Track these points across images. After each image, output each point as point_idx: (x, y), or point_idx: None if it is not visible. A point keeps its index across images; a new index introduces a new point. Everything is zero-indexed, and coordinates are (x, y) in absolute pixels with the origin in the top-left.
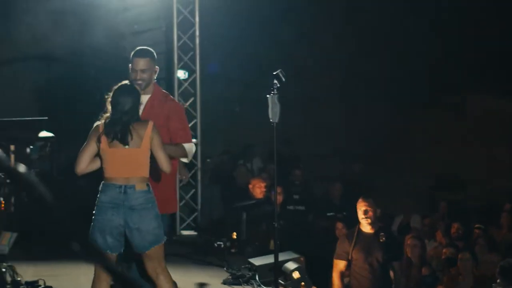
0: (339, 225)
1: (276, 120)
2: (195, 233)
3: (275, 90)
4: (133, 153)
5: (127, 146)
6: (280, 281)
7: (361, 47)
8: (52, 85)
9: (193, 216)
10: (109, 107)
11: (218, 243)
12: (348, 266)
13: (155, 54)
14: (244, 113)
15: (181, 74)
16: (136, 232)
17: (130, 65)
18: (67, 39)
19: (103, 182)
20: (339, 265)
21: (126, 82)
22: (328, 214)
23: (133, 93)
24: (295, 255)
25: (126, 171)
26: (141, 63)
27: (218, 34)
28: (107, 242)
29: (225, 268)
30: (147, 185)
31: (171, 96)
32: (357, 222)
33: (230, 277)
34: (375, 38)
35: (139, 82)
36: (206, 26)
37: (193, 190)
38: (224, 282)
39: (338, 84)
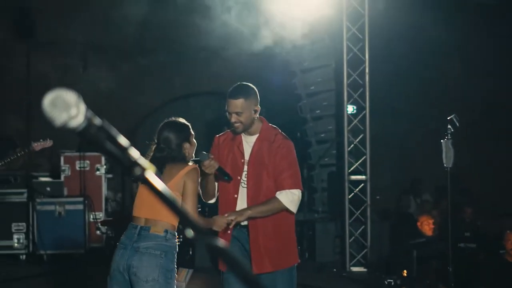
0: None
1: (450, 165)
2: (365, 269)
3: (449, 135)
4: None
5: None
6: None
7: None
8: (220, 119)
9: (362, 253)
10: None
11: (388, 280)
12: None
13: (252, 90)
14: (412, 147)
15: (349, 108)
16: (134, 277)
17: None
18: (235, 72)
19: None
20: None
21: (177, 119)
22: (501, 251)
23: (175, 130)
24: None
25: (147, 212)
26: (234, 105)
27: (387, 70)
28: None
29: None
30: (166, 231)
31: (282, 134)
32: None
33: None
34: None
35: (236, 125)
36: (375, 63)
37: (362, 227)
38: None
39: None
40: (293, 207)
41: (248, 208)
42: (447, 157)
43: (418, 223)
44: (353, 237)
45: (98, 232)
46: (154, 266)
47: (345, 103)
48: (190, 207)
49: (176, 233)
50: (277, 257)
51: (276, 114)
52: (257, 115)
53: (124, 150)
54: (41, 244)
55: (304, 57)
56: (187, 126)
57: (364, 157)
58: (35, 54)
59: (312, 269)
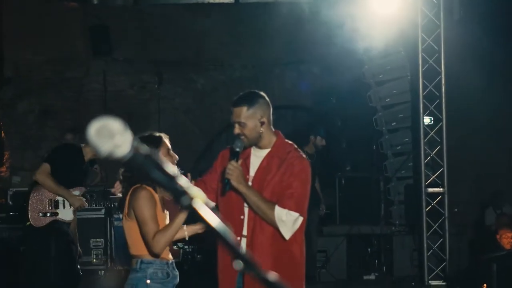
0: None
1: None
2: (444, 283)
3: None
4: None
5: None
6: None
7: None
8: (298, 133)
9: (441, 266)
10: None
11: None
12: None
13: (259, 99)
14: (490, 159)
15: (426, 120)
16: None
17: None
18: (314, 89)
19: None
20: None
21: (152, 132)
22: None
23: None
24: None
25: (130, 249)
26: (236, 114)
27: (464, 81)
28: None
29: None
30: (137, 261)
31: (297, 151)
32: None
33: None
34: None
35: (241, 137)
36: (451, 74)
37: (441, 240)
38: None
39: None
40: (284, 229)
41: (250, 187)
42: None
43: (497, 236)
44: (431, 251)
45: (175, 247)
46: None
47: (421, 115)
48: (148, 235)
49: (154, 260)
50: None
51: (349, 127)
52: (264, 128)
53: (172, 179)
54: (119, 259)
55: (379, 69)
56: (158, 138)
57: (442, 169)
58: (112, 71)
59: (390, 284)
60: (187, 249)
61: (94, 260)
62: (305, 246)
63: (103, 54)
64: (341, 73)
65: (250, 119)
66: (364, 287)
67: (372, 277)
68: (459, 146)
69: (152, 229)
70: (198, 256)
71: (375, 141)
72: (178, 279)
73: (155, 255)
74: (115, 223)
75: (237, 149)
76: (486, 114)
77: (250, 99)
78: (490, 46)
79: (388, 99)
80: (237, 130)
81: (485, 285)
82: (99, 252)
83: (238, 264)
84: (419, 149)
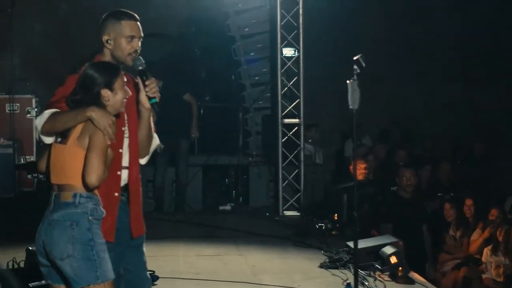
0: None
1: (356, 107)
2: (298, 214)
3: (355, 76)
4: (60, 152)
5: (58, 141)
6: (377, 265)
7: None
8: (164, 62)
9: (296, 197)
10: None
11: (320, 224)
12: None
13: None
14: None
15: (289, 51)
16: (51, 256)
17: (114, 31)
18: (176, 19)
19: None
20: None
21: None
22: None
23: (98, 70)
24: (393, 239)
25: (58, 176)
26: (139, 28)
27: (321, 12)
28: (41, 265)
29: (322, 251)
30: (75, 195)
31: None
32: None
33: (328, 260)
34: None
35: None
36: (309, 3)
37: (296, 171)
38: (321, 266)
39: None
40: (150, 152)
41: None
42: (353, 99)
43: (350, 167)
44: (286, 181)
45: (29, 176)
46: (66, 239)
47: (279, 45)
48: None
49: (92, 195)
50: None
51: (210, 56)
52: None
53: None
54: None
55: None
56: (115, 68)
57: (298, 100)
58: None
59: (245, 214)
60: (42, 179)
61: None
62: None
63: None
64: (201, 1)
65: None
66: (220, 217)
67: (228, 207)
68: (324, 77)
69: (104, 160)
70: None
71: (233, 71)
72: None
73: (90, 189)
74: None
75: (141, 68)
76: (346, 44)
77: None
78: None
79: (247, 29)
80: (138, 46)
81: (336, 215)
82: None
83: None
84: (276, 79)
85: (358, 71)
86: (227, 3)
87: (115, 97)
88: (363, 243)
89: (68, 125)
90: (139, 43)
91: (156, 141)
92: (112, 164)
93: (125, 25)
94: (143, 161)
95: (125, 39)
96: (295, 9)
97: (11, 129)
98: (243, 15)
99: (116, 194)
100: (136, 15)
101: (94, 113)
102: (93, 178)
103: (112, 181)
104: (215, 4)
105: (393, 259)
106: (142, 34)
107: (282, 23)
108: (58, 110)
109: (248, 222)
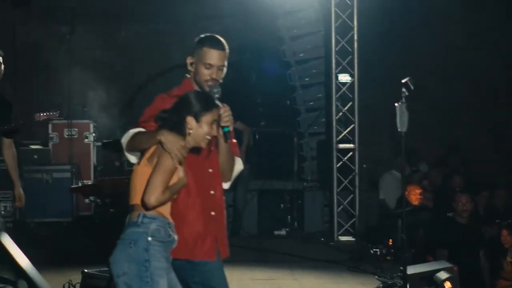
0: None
1: (405, 130)
2: (353, 239)
3: (403, 98)
4: (135, 173)
5: (137, 162)
6: None
7: None
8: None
9: (350, 222)
10: None
11: (374, 249)
12: None
13: None
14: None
15: (344, 77)
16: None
17: (196, 56)
18: (233, 45)
19: None
20: None
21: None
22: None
23: (191, 97)
24: (448, 265)
25: (131, 197)
26: (220, 57)
27: (377, 38)
28: None
29: (376, 276)
30: (139, 215)
31: None
32: None
33: (382, 285)
34: None
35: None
36: (364, 29)
37: (351, 196)
38: None
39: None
40: (233, 177)
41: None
42: (401, 122)
43: (406, 192)
44: (341, 206)
45: (86, 200)
46: (124, 257)
47: (334, 70)
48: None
49: (158, 216)
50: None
51: (265, 81)
52: None
53: None
54: (28, 212)
55: (294, 23)
56: (212, 104)
57: (353, 125)
58: (29, 20)
59: (300, 239)
60: (100, 203)
61: (3, 212)
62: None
63: (22, 4)
64: (257, 28)
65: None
66: (274, 242)
67: (283, 232)
68: (374, 103)
69: (166, 182)
70: (111, 210)
71: (288, 96)
72: (175, 244)
73: (148, 208)
74: (25, 175)
75: (217, 95)
76: (400, 70)
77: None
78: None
79: (302, 54)
80: (217, 75)
81: (390, 240)
82: (8, 204)
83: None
84: (330, 105)
85: (407, 93)
86: (282, 29)
87: (198, 129)
88: (416, 268)
89: (143, 146)
90: (219, 72)
91: (239, 166)
92: (204, 183)
93: (206, 52)
94: (226, 185)
95: (203, 66)
96: (349, 35)
97: (69, 154)
98: (298, 41)
99: (213, 213)
100: (222, 44)
101: (163, 136)
102: (152, 198)
103: (207, 200)
104: (271, 30)
105: (448, 285)
106: (225, 63)
107: (337, 49)
108: (142, 130)
109: (302, 247)
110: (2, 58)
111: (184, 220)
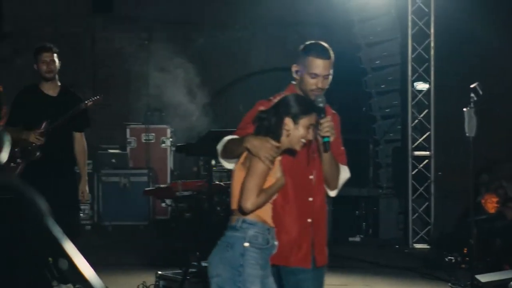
0: None
1: (473, 134)
2: (428, 246)
3: (472, 103)
4: (232, 177)
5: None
6: None
7: None
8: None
9: (426, 230)
10: None
11: (449, 257)
12: None
13: None
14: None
15: (420, 85)
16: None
17: (301, 64)
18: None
19: None
20: None
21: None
22: None
23: (290, 100)
24: None
25: (231, 201)
26: (325, 66)
27: (454, 45)
28: None
29: (449, 284)
30: (238, 219)
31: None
32: None
33: None
34: None
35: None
36: (441, 36)
37: (426, 203)
38: None
39: None
40: (339, 185)
41: None
42: (470, 126)
43: (482, 200)
44: (416, 214)
45: (163, 204)
46: (219, 260)
47: (410, 77)
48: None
49: (257, 222)
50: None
51: (341, 88)
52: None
53: None
54: (106, 215)
55: (370, 31)
56: (311, 108)
57: (428, 132)
58: (111, 28)
59: (374, 246)
60: (175, 207)
61: (81, 215)
62: None
63: (103, 11)
64: (333, 35)
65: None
66: (349, 249)
67: (358, 239)
68: (450, 111)
69: (259, 185)
70: (187, 214)
71: (364, 103)
72: (275, 250)
73: (246, 213)
74: (103, 178)
75: (321, 105)
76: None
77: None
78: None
79: (378, 61)
80: (323, 84)
81: (465, 249)
82: (86, 207)
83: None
84: (406, 112)
85: (475, 98)
86: (358, 36)
87: (294, 131)
88: (491, 277)
89: (233, 153)
90: (325, 81)
91: (345, 174)
92: (303, 190)
93: (311, 62)
94: (332, 193)
95: (308, 75)
96: (426, 42)
97: (146, 158)
98: (374, 48)
99: (309, 220)
100: (327, 52)
101: (249, 143)
102: (247, 203)
103: (305, 207)
104: (347, 36)
105: None
106: (330, 72)
107: (413, 56)
108: (235, 137)
109: (376, 254)
110: (57, 54)
111: (281, 225)
